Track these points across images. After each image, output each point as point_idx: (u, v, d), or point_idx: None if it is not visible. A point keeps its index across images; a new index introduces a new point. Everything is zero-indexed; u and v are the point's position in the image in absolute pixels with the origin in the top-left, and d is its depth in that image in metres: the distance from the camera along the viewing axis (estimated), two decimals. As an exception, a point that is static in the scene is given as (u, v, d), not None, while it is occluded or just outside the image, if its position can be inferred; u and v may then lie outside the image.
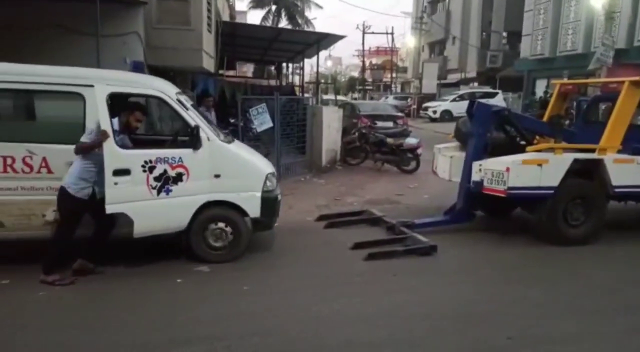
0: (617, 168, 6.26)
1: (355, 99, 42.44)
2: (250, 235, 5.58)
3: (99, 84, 4.77)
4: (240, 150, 5.81)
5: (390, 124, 16.28)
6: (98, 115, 4.68)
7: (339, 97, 31.89)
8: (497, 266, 5.60)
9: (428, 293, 4.80)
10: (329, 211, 7.83)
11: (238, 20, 28.22)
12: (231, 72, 25.03)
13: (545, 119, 7.86)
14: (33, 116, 5.41)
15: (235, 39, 16.88)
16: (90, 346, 3.68)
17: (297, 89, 23.13)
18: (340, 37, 15.55)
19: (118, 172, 4.72)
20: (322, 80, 42.53)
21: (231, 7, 24.72)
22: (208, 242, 5.37)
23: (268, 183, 5.53)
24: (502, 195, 6.07)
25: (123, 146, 4.85)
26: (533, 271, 5.48)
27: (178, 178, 5.04)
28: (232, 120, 12.07)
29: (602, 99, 8.47)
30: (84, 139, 4.68)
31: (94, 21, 8.72)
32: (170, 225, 5.19)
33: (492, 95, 26.28)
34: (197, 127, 5.11)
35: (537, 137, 7.25)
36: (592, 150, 6.36)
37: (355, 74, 64.77)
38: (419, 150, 11.54)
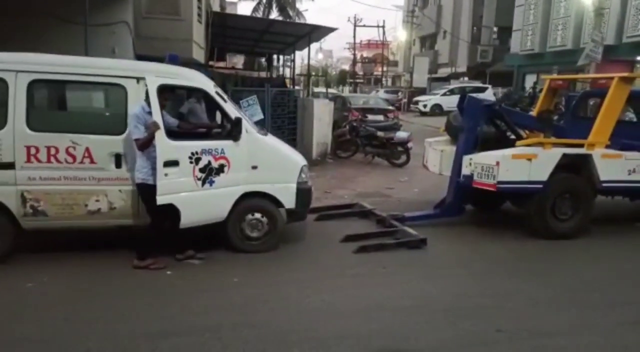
0: (605, 163, 6.33)
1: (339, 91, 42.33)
2: (284, 226, 5.65)
3: (150, 76, 4.82)
4: (275, 142, 5.93)
5: (381, 117, 16.31)
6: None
7: (330, 90, 31.85)
8: (487, 259, 5.65)
9: (419, 286, 4.83)
10: (319, 203, 7.81)
11: (228, 11, 27.99)
12: (221, 64, 24.86)
13: (534, 114, 7.93)
14: (76, 107, 5.53)
15: (225, 30, 16.75)
16: (81, 336, 3.65)
17: (287, 81, 23.03)
18: (332, 30, 15.49)
19: (168, 164, 4.78)
20: (313, 73, 42.41)
21: (222, -2, 24.50)
22: (245, 232, 5.46)
23: (303, 175, 5.66)
24: (492, 189, 6.11)
25: (171, 132, 4.93)
26: (524, 265, 5.55)
27: (220, 169, 5.14)
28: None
29: (591, 94, 8.55)
30: (136, 135, 4.74)
31: (82, 10, 8.60)
32: (212, 216, 5.25)
33: (482, 89, 26.40)
34: (239, 119, 5.19)
35: (527, 131, 7.31)
36: (581, 146, 6.42)
37: (346, 67, 64.62)
38: (410, 144, 11.58)
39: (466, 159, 6.43)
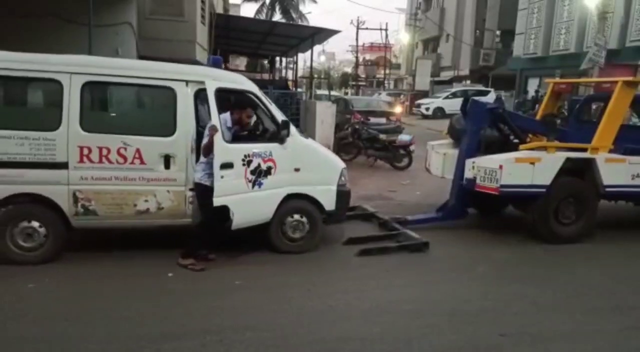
0: (609, 167, 6.30)
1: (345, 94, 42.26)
2: (323, 227, 5.72)
3: (208, 80, 4.94)
4: (316, 145, 6.07)
5: (383, 120, 16.29)
6: (187, 111, 5.03)
7: (333, 93, 31.88)
8: (490, 263, 5.62)
9: (421, 290, 4.82)
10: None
11: (231, 13, 28.02)
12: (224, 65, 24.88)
13: (538, 117, 7.91)
14: (127, 109, 5.75)
15: (228, 32, 16.79)
16: (83, 338, 3.64)
17: (290, 83, 23.03)
18: (335, 32, 15.51)
19: (224, 166, 4.87)
20: (316, 75, 42.40)
21: (225, 0, 24.55)
22: (286, 233, 5.56)
23: (342, 178, 5.78)
24: (495, 193, 6.09)
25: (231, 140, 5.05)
26: (526, 269, 5.52)
27: (268, 172, 5.25)
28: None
29: (594, 98, 8.53)
30: (204, 139, 4.88)
31: (86, 11, 8.62)
32: (260, 217, 5.35)
33: (484, 93, 26.37)
34: (287, 122, 5.30)
35: (530, 135, 7.28)
36: (584, 150, 6.40)
37: (349, 69, 64.60)
38: (412, 147, 11.56)
39: (469, 162, 6.41)
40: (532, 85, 26.75)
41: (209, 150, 4.84)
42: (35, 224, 4.86)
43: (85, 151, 4.84)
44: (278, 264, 5.37)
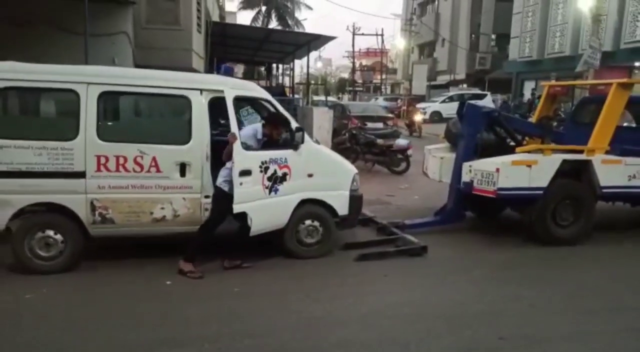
0: (605, 169, 6.32)
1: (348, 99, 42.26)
2: (336, 232, 5.75)
3: (227, 88, 5.07)
4: (329, 151, 6.17)
5: (380, 125, 16.34)
6: (201, 119, 5.05)
7: (330, 98, 31.93)
8: (488, 266, 5.62)
9: (420, 294, 4.81)
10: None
11: (228, 21, 28.14)
12: (221, 73, 24.93)
13: (534, 120, 7.94)
14: (143, 118, 5.83)
15: (225, 40, 16.87)
16: (80, 345, 3.63)
17: (287, 90, 23.10)
18: (331, 38, 15.60)
19: (243, 173, 4.91)
20: (313, 81, 42.51)
21: (221, 8, 24.66)
22: (300, 238, 5.60)
23: (354, 183, 5.84)
24: (492, 196, 6.10)
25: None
26: (525, 271, 5.52)
27: (283, 178, 5.30)
28: (222, 121, 12.02)
29: (590, 100, 8.56)
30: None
31: (83, 20, 8.65)
32: (276, 223, 5.38)
33: (481, 96, 26.46)
34: (301, 129, 5.36)
35: (527, 138, 7.31)
36: (581, 151, 6.41)
37: (346, 75, 64.78)
38: (409, 152, 11.58)
39: (466, 166, 6.42)
40: (528, 88, 26.90)
41: (229, 156, 4.89)
42: (54, 233, 4.87)
43: (103, 160, 4.86)
44: (276, 270, 5.36)
